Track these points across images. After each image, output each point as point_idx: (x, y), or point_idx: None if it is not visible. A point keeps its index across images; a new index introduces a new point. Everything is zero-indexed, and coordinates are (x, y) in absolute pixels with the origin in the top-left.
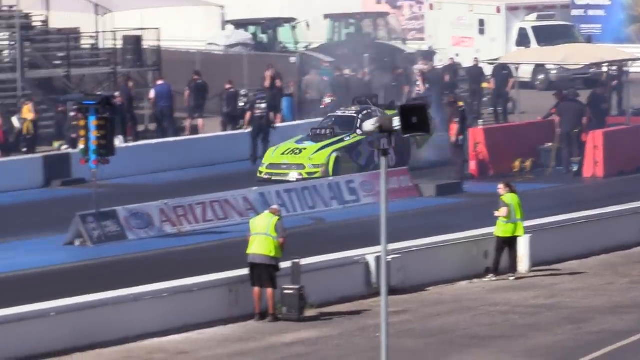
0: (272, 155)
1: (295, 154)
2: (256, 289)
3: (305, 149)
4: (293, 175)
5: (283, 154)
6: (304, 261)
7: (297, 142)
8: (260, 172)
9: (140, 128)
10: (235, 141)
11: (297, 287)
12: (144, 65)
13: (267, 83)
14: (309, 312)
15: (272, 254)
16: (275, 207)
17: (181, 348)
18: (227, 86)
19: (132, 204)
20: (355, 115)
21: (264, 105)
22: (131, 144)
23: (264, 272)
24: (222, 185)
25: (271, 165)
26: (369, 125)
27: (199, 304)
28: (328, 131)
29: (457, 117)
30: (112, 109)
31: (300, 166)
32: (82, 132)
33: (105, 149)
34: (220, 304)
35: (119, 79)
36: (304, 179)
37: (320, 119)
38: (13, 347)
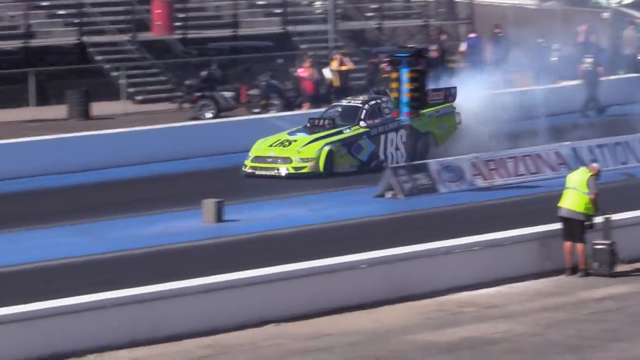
0: (260, 147)
1: (284, 146)
2: (567, 244)
3: (295, 140)
4: (281, 169)
5: (271, 145)
6: (616, 216)
7: (290, 133)
8: (245, 166)
9: None
10: (564, 94)
11: (608, 242)
12: (456, 19)
13: (580, 38)
14: (620, 268)
15: (581, 209)
16: (595, 165)
17: (491, 302)
18: (539, 40)
19: (442, 158)
20: (360, 105)
21: (590, 60)
22: None
23: (574, 227)
24: (557, 136)
25: (257, 158)
26: None
27: (510, 258)
28: (326, 122)
29: None
30: (426, 62)
31: (287, 160)
32: (394, 85)
33: (417, 102)
34: (532, 258)
35: (431, 31)
36: (291, 175)
37: None
38: (324, 298)
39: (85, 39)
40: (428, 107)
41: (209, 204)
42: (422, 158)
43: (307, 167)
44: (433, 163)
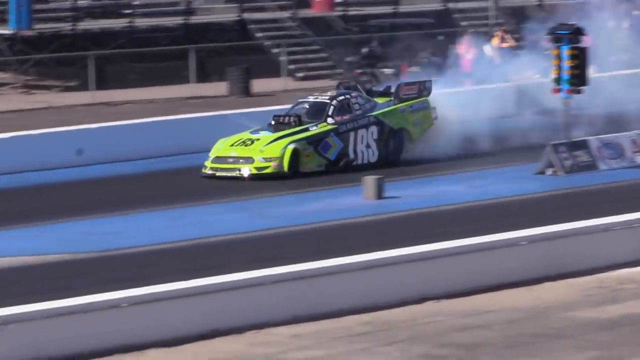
0: (220, 147)
1: (246, 145)
2: None
3: (258, 139)
4: (244, 170)
5: (232, 145)
6: None
7: (253, 132)
8: (205, 167)
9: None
10: None
11: None
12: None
13: None
14: None
15: None
16: None
17: None
18: None
19: (603, 135)
20: (328, 101)
21: None
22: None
23: None
24: None
25: (217, 159)
26: None
27: None
28: (292, 119)
29: None
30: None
31: (249, 159)
32: (555, 62)
33: (578, 79)
34: None
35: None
36: (254, 176)
37: None
38: (483, 275)
39: (245, 15)
40: (401, 102)
41: (369, 181)
42: (395, 156)
43: (271, 167)
44: (593, 140)
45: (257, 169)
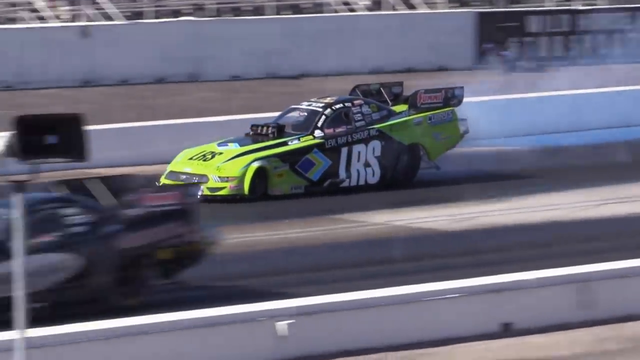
0: (179, 159)
1: (206, 160)
2: None
3: (221, 153)
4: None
5: (191, 158)
6: None
7: (220, 143)
8: (158, 182)
9: None
10: None
11: None
12: None
13: None
14: None
15: None
16: None
17: None
18: None
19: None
20: (320, 110)
21: None
22: None
23: None
24: None
25: (170, 174)
26: None
27: None
28: (270, 130)
29: None
30: None
31: (204, 178)
32: None
33: None
34: None
35: None
36: (207, 199)
37: None
38: None
39: None
40: (418, 112)
41: None
42: (406, 178)
43: (227, 189)
44: None
45: (211, 189)
